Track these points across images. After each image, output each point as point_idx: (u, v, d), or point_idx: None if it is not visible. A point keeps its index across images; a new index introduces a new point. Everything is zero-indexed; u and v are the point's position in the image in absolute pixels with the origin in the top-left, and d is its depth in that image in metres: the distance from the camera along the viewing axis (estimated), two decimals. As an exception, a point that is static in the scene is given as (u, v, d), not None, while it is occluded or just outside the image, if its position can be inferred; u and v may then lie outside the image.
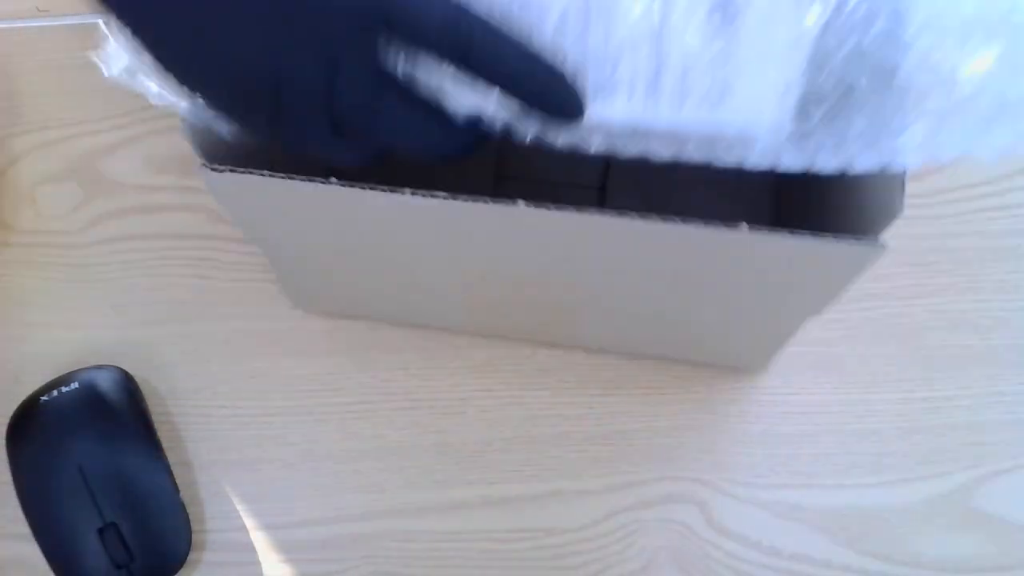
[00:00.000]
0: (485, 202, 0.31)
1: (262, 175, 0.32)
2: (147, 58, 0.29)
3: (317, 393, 0.47)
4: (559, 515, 0.45)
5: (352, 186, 0.32)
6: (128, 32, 0.29)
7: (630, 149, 0.29)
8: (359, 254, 0.40)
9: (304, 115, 0.29)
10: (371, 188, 0.32)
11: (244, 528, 0.45)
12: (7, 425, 0.45)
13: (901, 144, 0.27)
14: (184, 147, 0.33)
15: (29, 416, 0.45)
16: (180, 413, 0.47)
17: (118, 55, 0.32)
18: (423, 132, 0.30)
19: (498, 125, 0.30)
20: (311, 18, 0.27)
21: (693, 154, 0.29)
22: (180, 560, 0.44)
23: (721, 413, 0.46)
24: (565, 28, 0.28)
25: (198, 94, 0.30)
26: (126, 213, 0.51)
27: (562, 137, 0.30)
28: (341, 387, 0.47)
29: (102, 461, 0.43)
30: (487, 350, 0.47)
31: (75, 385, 0.45)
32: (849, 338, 0.47)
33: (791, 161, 0.28)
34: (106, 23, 0.31)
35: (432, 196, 0.31)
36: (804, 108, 0.27)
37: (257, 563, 0.44)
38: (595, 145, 0.30)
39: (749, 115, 0.28)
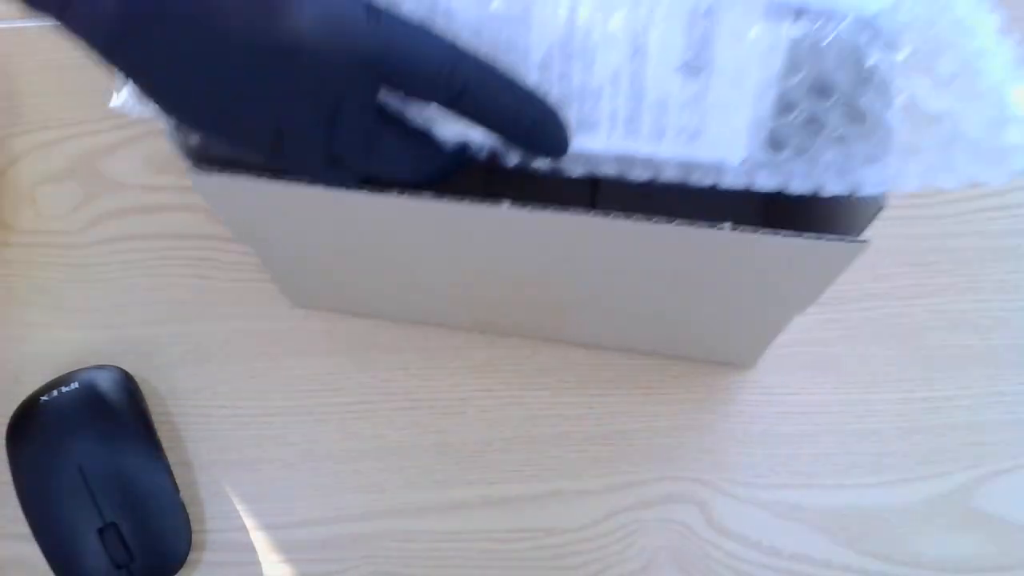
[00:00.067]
0: (471, 203, 0.31)
1: (250, 176, 0.32)
2: (151, 106, 0.30)
3: (317, 393, 0.47)
4: (559, 515, 0.45)
5: (339, 188, 0.32)
6: (127, 80, 0.29)
7: (610, 172, 0.31)
8: (349, 253, 0.40)
9: (303, 156, 0.30)
10: (358, 189, 0.32)
11: (244, 528, 0.45)
12: (7, 425, 0.45)
13: (869, 175, 0.28)
14: (184, 147, 0.33)
15: (29, 416, 0.45)
16: (180, 413, 0.47)
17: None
18: (413, 162, 0.31)
19: (484, 153, 0.31)
20: (311, 70, 0.28)
21: (671, 177, 0.30)
22: (180, 560, 0.44)
23: (721, 413, 0.46)
24: (550, 66, 0.29)
25: (200, 135, 0.31)
26: (126, 213, 0.51)
27: (546, 164, 0.31)
28: (341, 387, 0.47)
29: (102, 461, 0.43)
30: (487, 350, 0.47)
31: (75, 385, 0.45)
32: (849, 338, 0.47)
33: (765, 182, 0.29)
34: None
35: (419, 196, 0.32)
36: (775, 142, 0.29)
37: (257, 563, 0.44)
38: (577, 171, 0.31)
39: (722, 151, 0.29)
